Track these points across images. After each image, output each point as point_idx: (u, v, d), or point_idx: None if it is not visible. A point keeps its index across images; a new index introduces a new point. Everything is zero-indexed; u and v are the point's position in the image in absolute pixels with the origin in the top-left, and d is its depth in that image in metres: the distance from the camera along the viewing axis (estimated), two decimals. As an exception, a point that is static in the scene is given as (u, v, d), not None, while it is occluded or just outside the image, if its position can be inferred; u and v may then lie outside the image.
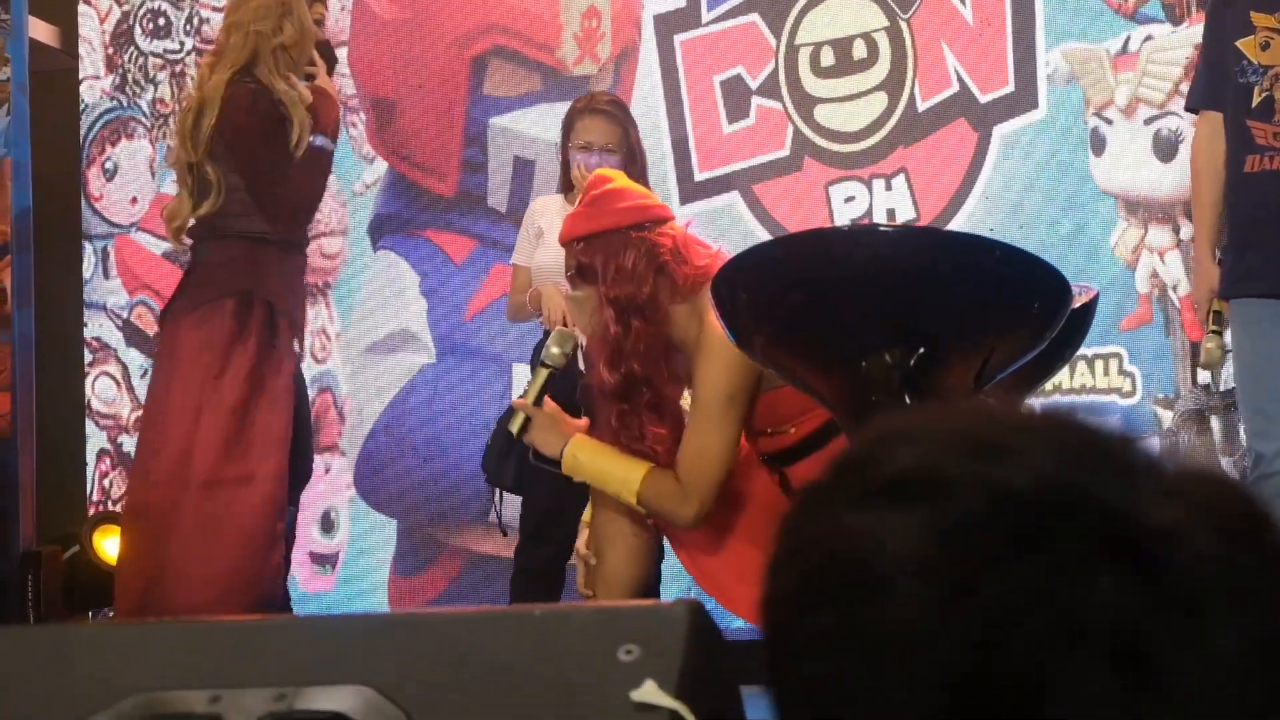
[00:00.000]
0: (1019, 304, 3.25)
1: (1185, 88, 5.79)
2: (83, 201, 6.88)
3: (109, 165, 6.89)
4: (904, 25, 6.14)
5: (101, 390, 6.82)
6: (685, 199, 6.26)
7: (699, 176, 6.29)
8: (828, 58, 6.24)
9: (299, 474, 5.01)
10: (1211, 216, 4.42)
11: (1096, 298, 3.98)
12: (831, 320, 3.26)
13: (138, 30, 6.91)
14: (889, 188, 6.14)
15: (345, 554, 6.58)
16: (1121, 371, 5.86)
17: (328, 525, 6.60)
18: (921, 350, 3.12)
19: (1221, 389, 5.74)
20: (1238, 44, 4.34)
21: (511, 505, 5.36)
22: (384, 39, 6.66)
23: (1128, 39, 5.93)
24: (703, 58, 6.36)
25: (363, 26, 6.68)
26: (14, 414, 6.19)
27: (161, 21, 6.89)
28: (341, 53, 6.68)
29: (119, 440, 6.79)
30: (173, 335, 4.88)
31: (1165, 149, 5.87)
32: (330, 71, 5.20)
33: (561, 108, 5.77)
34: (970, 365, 3.19)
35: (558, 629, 1.34)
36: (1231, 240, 4.37)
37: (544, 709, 1.30)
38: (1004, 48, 6.06)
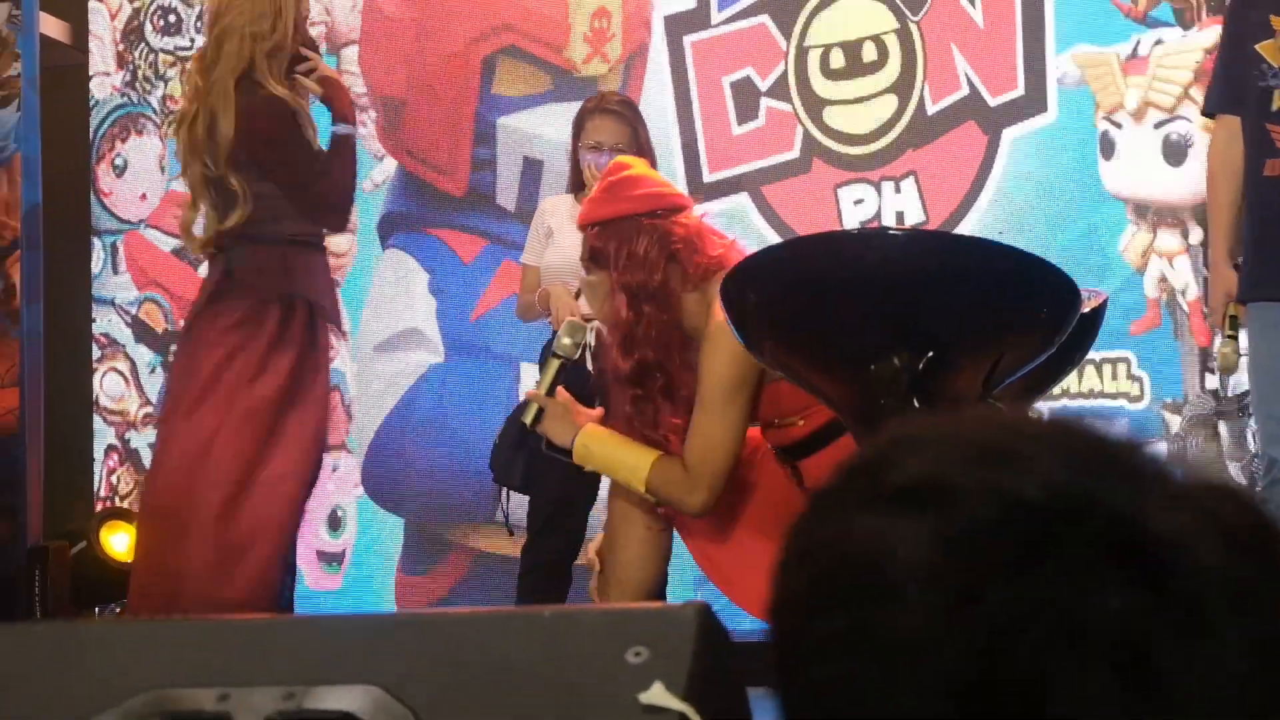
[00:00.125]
0: (1028, 308, 3.24)
1: (1195, 92, 5.79)
2: (92, 197, 6.89)
3: (119, 161, 6.90)
4: (914, 28, 6.14)
5: (110, 386, 6.83)
6: (694, 200, 6.26)
7: (708, 178, 6.29)
8: (838, 60, 6.24)
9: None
10: (1228, 220, 4.41)
11: (1106, 302, 3.98)
12: (840, 323, 3.26)
13: (148, 27, 6.92)
14: (898, 190, 6.14)
15: (352, 552, 6.58)
16: (1130, 376, 5.86)
17: (335, 524, 6.61)
18: (930, 354, 3.12)
19: (1230, 394, 5.73)
20: (1258, 47, 4.34)
21: (518, 504, 5.36)
22: (394, 38, 6.66)
23: (1138, 43, 5.93)
24: (713, 59, 6.36)
25: (373, 25, 6.68)
26: (22, 409, 6.20)
27: (172, 18, 6.90)
28: (351, 51, 6.69)
29: (127, 436, 6.79)
30: (206, 339, 4.87)
31: (1175, 153, 5.87)
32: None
33: (571, 108, 5.78)
34: (979, 369, 3.19)
35: (566, 630, 1.35)
36: (1249, 244, 4.36)
37: (552, 710, 1.30)
38: (1014, 51, 6.06)
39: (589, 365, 5.03)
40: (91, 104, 6.92)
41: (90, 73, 6.93)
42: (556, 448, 3.87)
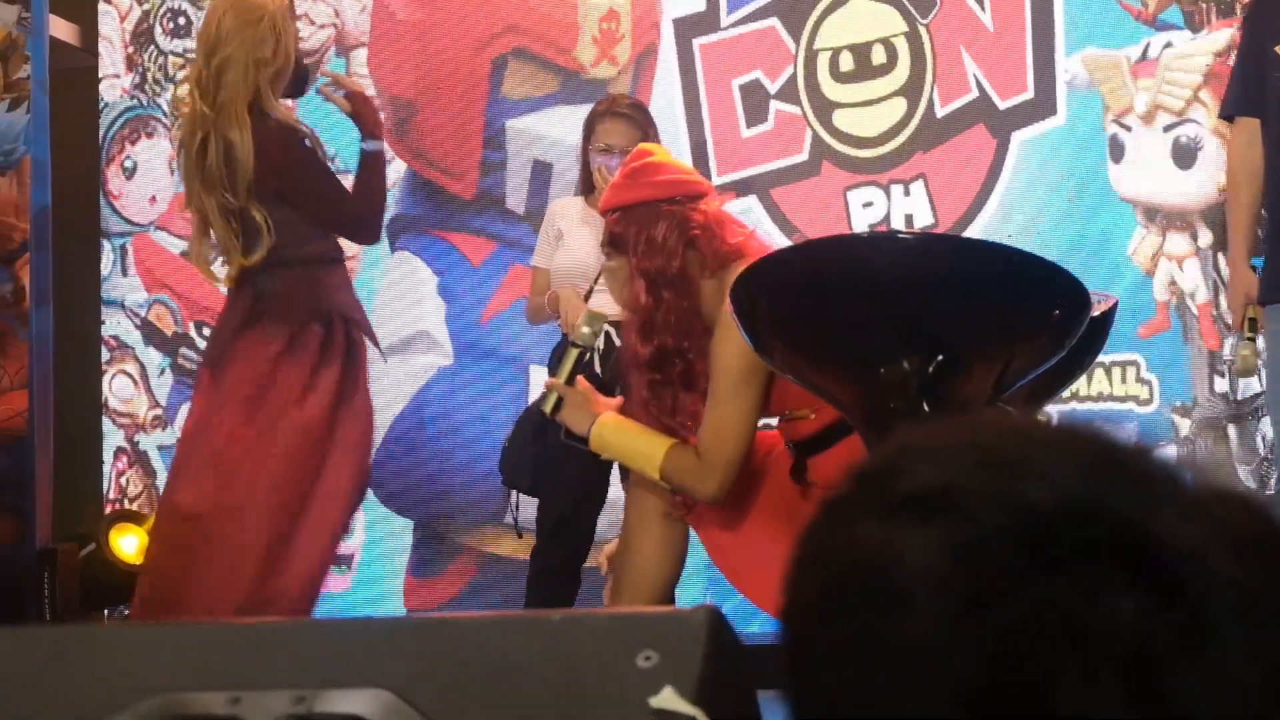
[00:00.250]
0: (1038, 312, 3.24)
1: (1205, 95, 5.79)
2: (102, 199, 6.89)
3: (128, 164, 6.91)
4: (923, 30, 6.14)
5: (119, 388, 6.83)
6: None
7: (717, 180, 6.29)
8: (847, 62, 6.24)
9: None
10: (1248, 223, 4.41)
11: (1116, 306, 3.98)
12: (849, 327, 3.26)
13: (158, 29, 6.92)
14: (907, 193, 6.14)
15: (361, 555, 6.58)
16: (1139, 379, 5.86)
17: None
18: (939, 358, 3.12)
19: (1239, 397, 5.73)
20: (1277, 49, 4.34)
21: (528, 507, 5.36)
22: (403, 40, 6.66)
23: (1147, 46, 5.93)
24: (722, 61, 6.36)
25: (382, 28, 6.69)
26: (32, 411, 6.20)
27: (181, 21, 6.90)
28: (360, 54, 6.70)
29: (136, 438, 6.80)
30: (251, 365, 4.89)
31: (1184, 156, 5.86)
32: (303, 92, 5.26)
33: (580, 110, 5.78)
34: (989, 373, 3.19)
35: (576, 634, 1.35)
36: (1269, 246, 4.36)
37: (562, 714, 1.30)
38: (1023, 54, 6.06)
39: (596, 368, 5.04)
40: (101, 106, 6.92)
41: (100, 75, 6.94)
42: (575, 436, 3.89)
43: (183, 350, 6.74)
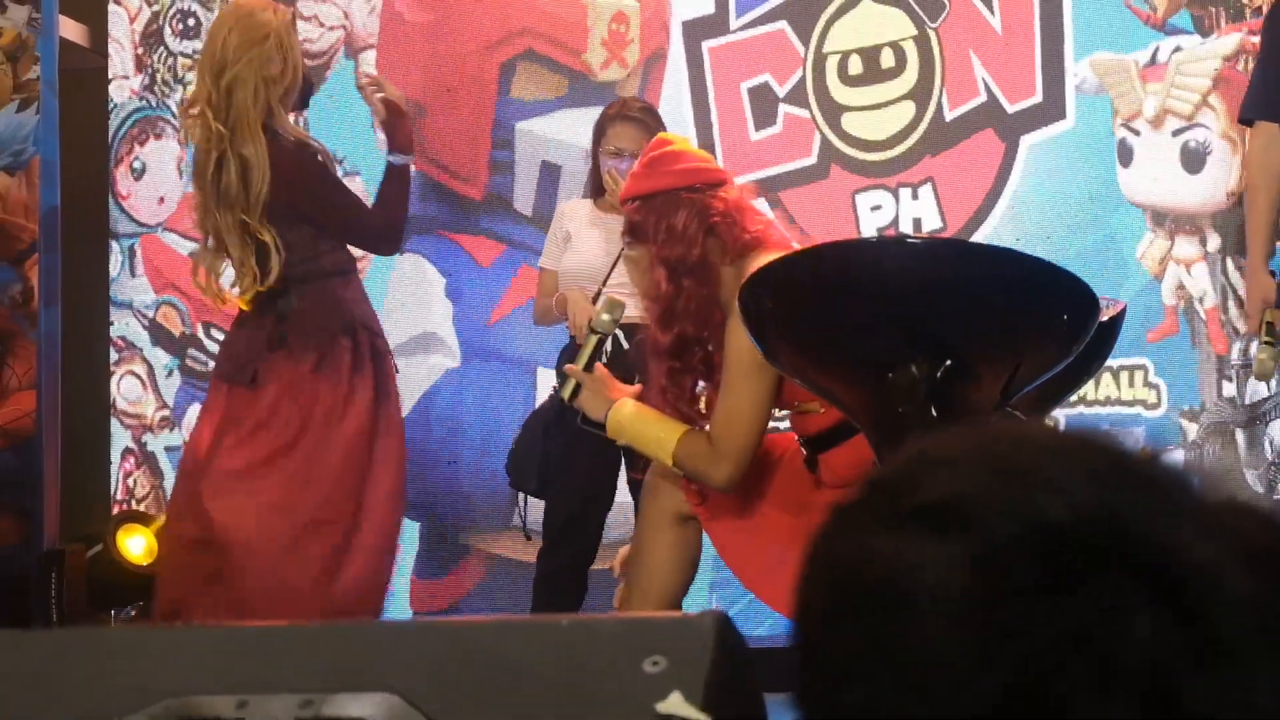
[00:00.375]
0: (1047, 317, 3.24)
1: (1214, 99, 5.78)
2: (110, 200, 6.90)
3: (137, 165, 6.91)
4: (932, 34, 6.14)
5: (126, 389, 6.83)
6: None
7: (725, 183, 6.29)
8: (856, 66, 6.23)
9: None
10: (1266, 227, 4.41)
11: (1124, 311, 3.98)
12: (857, 331, 3.26)
13: (167, 30, 6.93)
14: (915, 197, 6.14)
15: (368, 556, 6.58)
16: (1147, 383, 5.85)
17: (351, 527, 6.60)
18: (948, 363, 3.12)
19: (1247, 401, 5.72)
20: None
21: (535, 509, 5.37)
22: (412, 42, 6.66)
23: (1156, 50, 5.92)
24: (731, 64, 6.36)
25: (391, 29, 6.69)
26: (39, 412, 6.20)
27: (191, 22, 6.91)
28: (369, 55, 6.70)
29: (144, 439, 6.80)
30: (286, 385, 4.91)
31: (1193, 160, 5.86)
32: (306, 105, 5.29)
33: (588, 112, 5.78)
34: (997, 378, 3.19)
35: (584, 639, 1.35)
36: None
37: (569, 719, 1.30)
38: (1032, 58, 6.05)
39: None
40: (110, 107, 6.93)
41: (109, 76, 6.94)
42: (591, 422, 3.89)
43: (191, 351, 6.74)
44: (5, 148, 6.33)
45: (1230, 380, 5.76)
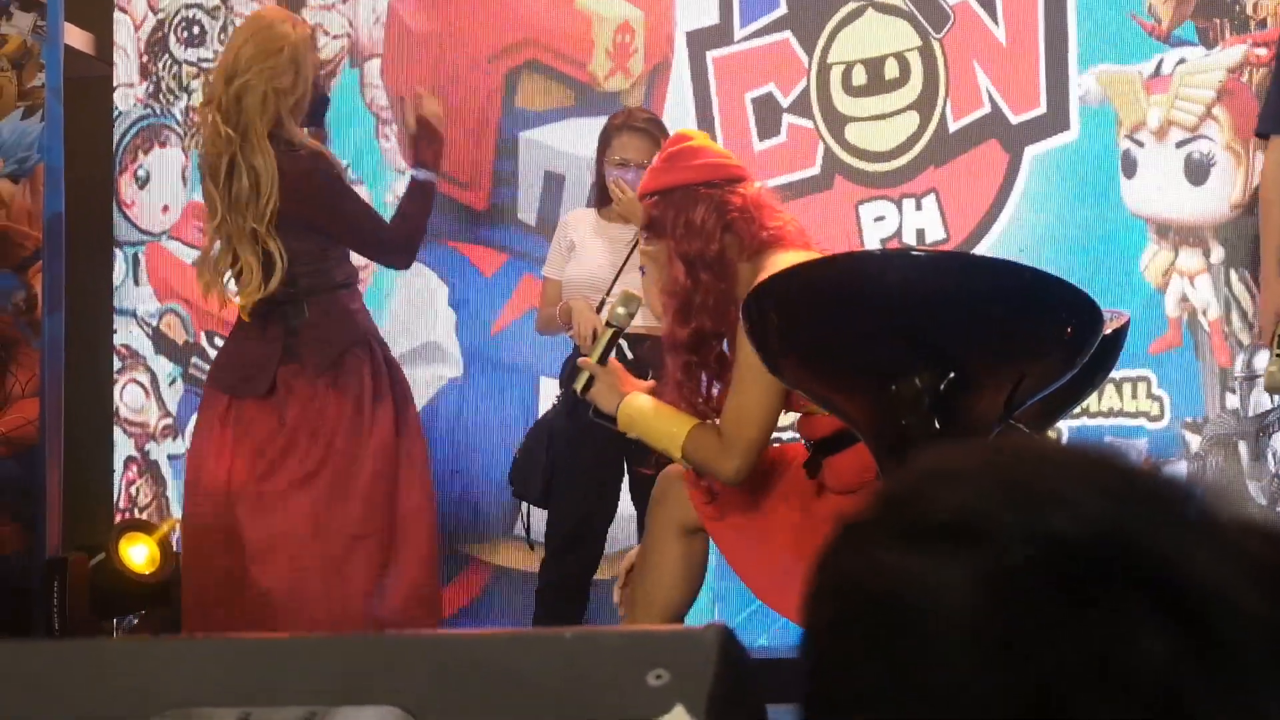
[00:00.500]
0: (1050, 329, 3.24)
1: (1218, 111, 5.78)
2: (114, 208, 6.90)
3: (141, 172, 6.91)
4: (936, 45, 6.14)
5: (130, 397, 6.83)
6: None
7: (729, 193, 6.29)
8: (860, 76, 6.23)
9: None
10: None
11: (1128, 324, 3.97)
12: (861, 343, 3.26)
13: (172, 38, 6.93)
14: (919, 208, 6.14)
15: (370, 565, 6.58)
16: (1150, 395, 5.85)
17: (353, 536, 6.60)
18: (951, 375, 3.12)
19: (1250, 413, 5.72)
20: None
21: (538, 519, 5.37)
22: (417, 52, 6.67)
23: (1160, 62, 5.92)
24: (735, 75, 6.36)
25: (396, 39, 6.69)
26: (42, 420, 6.20)
27: (196, 30, 6.91)
28: (374, 64, 6.70)
29: (146, 448, 6.80)
30: (306, 402, 4.93)
31: (1197, 172, 5.86)
32: (320, 120, 5.33)
33: (593, 122, 5.78)
34: (1001, 390, 3.19)
35: (587, 652, 1.35)
36: None
37: (572, 732, 1.30)
38: (1036, 69, 6.05)
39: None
40: (115, 115, 6.93)
41: (114, 84, 6.94)
42: (603, 415, 3.90)
43: (194, 360, 6.74)
44: (10, 155, 6.34)
45: (1234, 392, 5.76)
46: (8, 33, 6.39)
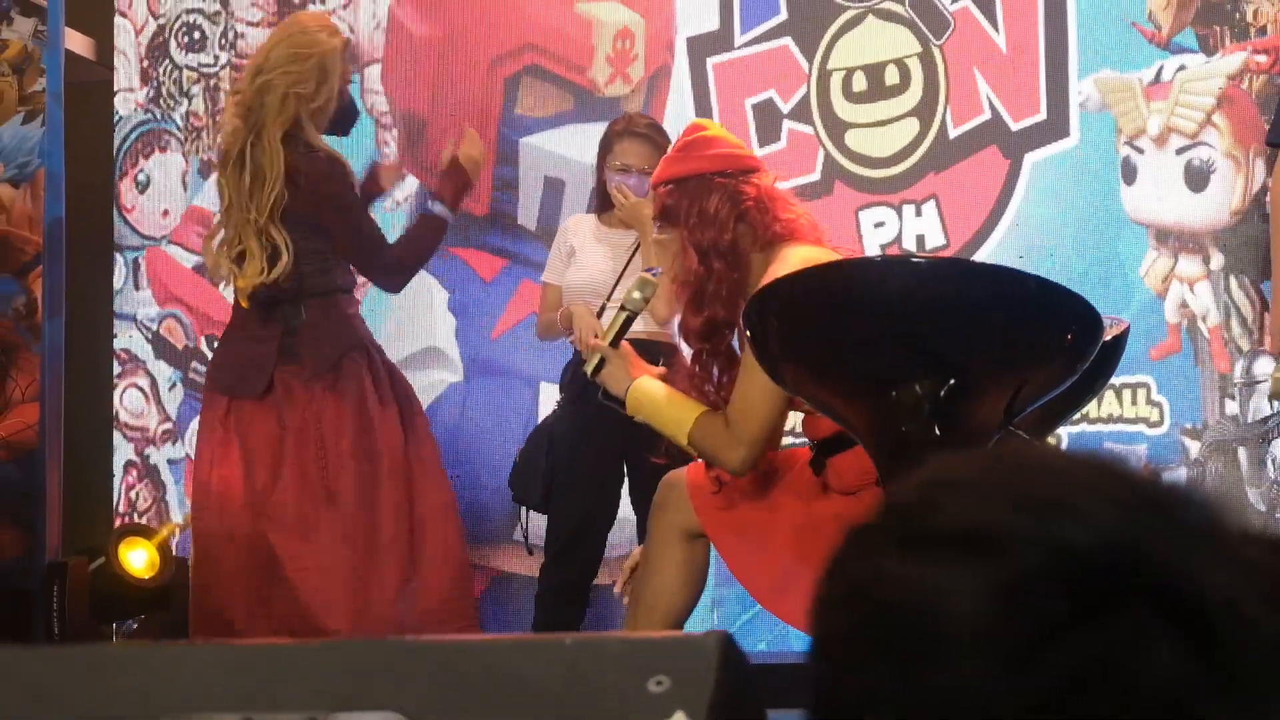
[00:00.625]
0: (1051, 336, 3.25)
1: (1218, 118, 5.79)
2: (115, 213, 6.90)
3: (141, 177, 6.91)
4: (936, 51, 6.14)
5: (130, 402, 6.83)
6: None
7: (729, 199, 6.28)
8: (860, 83, 6.24)
9: None
10: None
11: (1127, 330, 3.98)
12: (862, 349, 3.26)
13: (173, 44, 6.93)
14: (919, 214, 6.14)
15: (370, 570, 6.57)
16: (1150, 401, 5.85)
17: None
18: (952, 381, 3.12)
19: (1250, 420, 5.72)
20: None
21: (537, 524, 5.37)
22: (417, 57, 6.67)
23: (1160, 68, 5.93)
24: (735, 80, 6.36)
25: (397, 44, 6.70)
26: (42, 424, 6.21)
27: (196, 35, 6.91)
28: (374, 70, 6.70)
29: (146, 452, 6.80)
30: (305, 408, 4.94)
31: (1197, 179, 5.86)
32: (347, 131, 5.37)
33: (593, 128, 5.78)
34: (1001, 397, 3.19)
35: (588, 658, 1.35)
36: None
37: (573, 738, 1.31)
38: (1036, 75, 6.06)
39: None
40: (115, 120, 6.93)
41: (115, 89, 6.94)
42: (612, 397, 3.90)
43: (194, 364, 6.74)
44: (10, 160, 6.34)
45: (1233, 398, 5.76)
46: (8, 38, 6.39)
